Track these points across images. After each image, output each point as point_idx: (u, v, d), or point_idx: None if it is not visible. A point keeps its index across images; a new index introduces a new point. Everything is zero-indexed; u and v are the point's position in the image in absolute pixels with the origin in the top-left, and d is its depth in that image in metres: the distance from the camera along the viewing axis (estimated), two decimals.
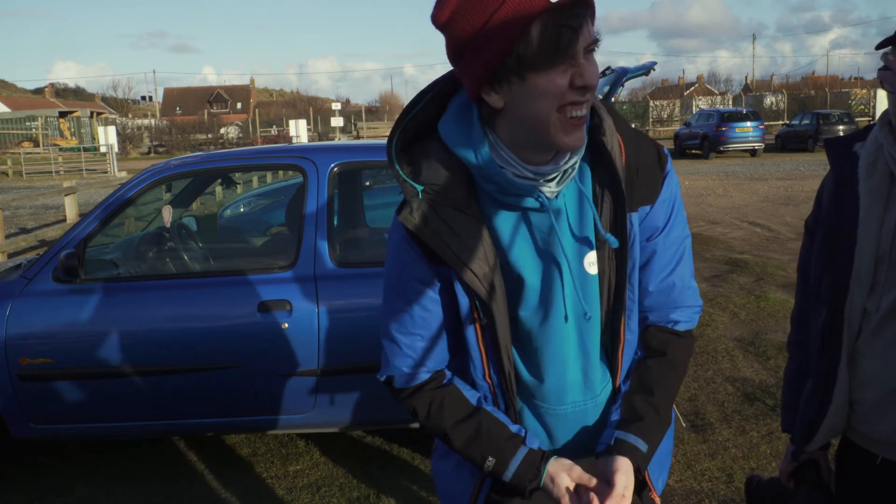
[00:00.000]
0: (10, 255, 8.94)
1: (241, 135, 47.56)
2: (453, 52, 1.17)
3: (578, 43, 1.09)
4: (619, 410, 1.32)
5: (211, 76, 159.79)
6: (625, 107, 45.38)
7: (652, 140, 1.33)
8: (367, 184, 5.58)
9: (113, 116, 58.43)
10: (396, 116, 1.37)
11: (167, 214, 4.26)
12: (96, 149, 38.54)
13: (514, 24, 1.07)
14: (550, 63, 1.09)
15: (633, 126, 1.33)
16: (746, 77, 78.32)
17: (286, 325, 3.38)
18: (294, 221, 4.05)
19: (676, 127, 36.17)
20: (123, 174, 20.46)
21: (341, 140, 25.31)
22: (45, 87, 79.78)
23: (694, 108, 43.84)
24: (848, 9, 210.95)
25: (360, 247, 4.18)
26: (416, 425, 3.38)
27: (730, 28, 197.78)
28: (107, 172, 26.61)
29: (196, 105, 76.82)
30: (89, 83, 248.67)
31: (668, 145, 31.50)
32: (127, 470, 3.84)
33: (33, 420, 3.53)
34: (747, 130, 25.37)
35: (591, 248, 1.27)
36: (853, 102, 39.94)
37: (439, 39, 1.20)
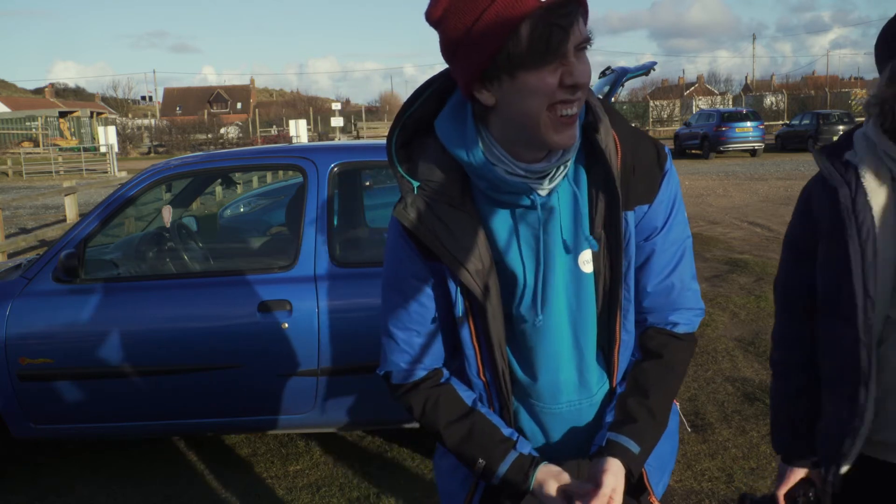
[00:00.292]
0: (10, 255, 8.94)
1: (241, 135, 47.57)
2: (446, 50, 1.17)
3: (569, 42, 1.09)
4: (613, 412, 1.32)
5: (211, 76, 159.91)
6: (625, 107, 45.38)
7: (651, 139, 1.32)
8: (367, 184, 5.59)
9: (113, 116, 58.44)
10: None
11: (167, 214, 4.26)
12: (96, 149, 38.54)
13: (505, 22, 1.08)
14: (540, 62, 1.09)
15: (633, 125, 1.33)
16: (746, 77, 78.37)
17: (286, 325, 3.38)
18: (294, 221, 4.05)
19: (676, 127, 36.18)
20: (123, 174, 20.46)
21: (341, 140, 25.31)
22: (45, 87, 79.79)
23: (694, 108, 43.85)
24: (848, 9, 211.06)
25: (360, 247, 4.18)
26: (415, 425, 3.38)
27: (730, 28, 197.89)
28: (107, 172, 26.61)
29: (196, 105, 76.83)
30: (89, 83, 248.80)
31: (668, 145, 31.31)
32: (127, 470, 3.84)
33: (33, 420, 3.53)
34: (747, 130, 25.36)
35: (587, 247, 1.27)
36: (853, 102, 39.92)
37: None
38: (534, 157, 1.20)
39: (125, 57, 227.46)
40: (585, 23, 1.14)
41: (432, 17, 1.16)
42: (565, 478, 1.26)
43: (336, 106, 51.10)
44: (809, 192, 1.58)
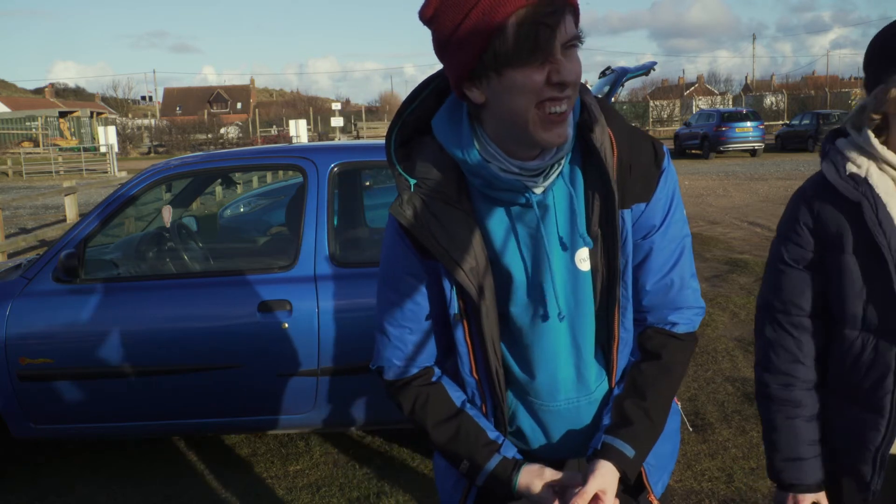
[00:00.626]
0: (10, 255, 8.94)
1: (241, 135, 47.57)
2: (438, 48, 1.18)
3: (556, 40, 1.10)
4: (610, 414, 1.32)
5: (211, 76, 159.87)
6: (625, 107, 45.39)
7: (649, 137, 1.32)
8: (367, 184, 5.58)
9: (113, 116, 58.45)
10: None
11: (167, 214, 4.26)
12: (96, 149, 38.55)
13: (491, 20, 1.09)
14: (527, 59, 1.10)
15: (633, 125, 1.33)
16: (746, 77, 78.39)
17: (286, 325, 3.38)
18: (294, 221, 4.05)
19: (676, 127, 36.18)
20: (123, 174, 20.47)
21: (341, 140, 25.31)
22: (45, 87, 79.79)
23: (694, 108, 43.86)
24: (848, 9, 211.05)
25: (360, 247, 4.18)
26: None
27: (730, 28, 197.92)
28: (107, 172, 26.61)
29: (196, 105, 76.82)
30: (89, 83, 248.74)
31: (668, 145, 31.30)
32: (127, 470, 3.84)
33: (33, 420, 3.53)
34: (747, 130, 25.36)
35: (583, 245, 1.27)
36: (853, 102, 39.89)
37: None
38: (528, 154, 1.20)
39: (125, 57, 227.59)
40: (576, 20, 1.14)
41: (425, 16, 1.17)
42: (549, 475, 1.27)
43: (336, 106, 51.14)
44: (810, 205, 1.55)
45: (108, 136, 29.45)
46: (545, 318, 1.29)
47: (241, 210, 7.57)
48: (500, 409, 1.33)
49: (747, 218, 11.74)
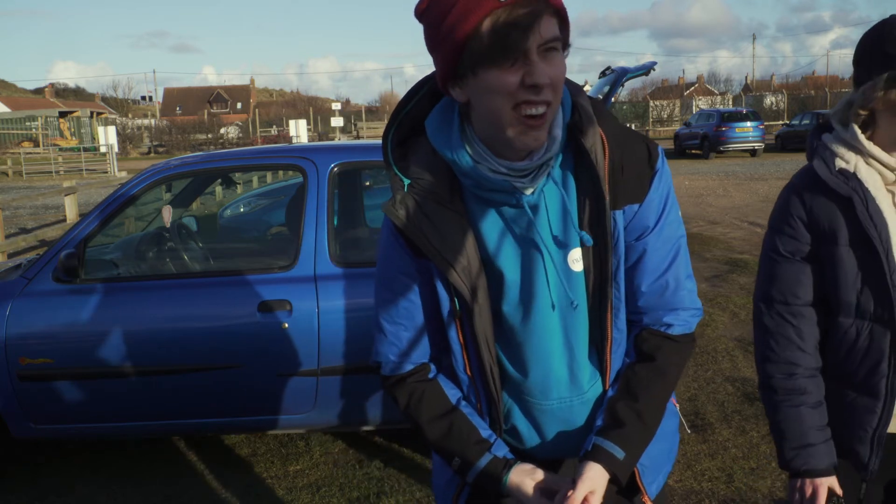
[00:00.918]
0: (10, 255, 8.94)
1: (241, 135, 47.57)
2: (427, 45, 1.20)
3: (528, 41, 1.10)
4: (602, 416, 1.32)
5: (211, 76, 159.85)
6: (625, 107, 45.39)
7: (643, 137, 1.32)
8: (367, 184, 5.58)
9: (113, 116, 58.45)
10: None
11: (167, 214, 4.26)
12: (96, 149, 38.55)
13: (468, 19, 1.10)
14: (499, 60, 1.11)
15: (624, 124, 1.33)
16: (746, 77, 78.38)
17: (286, 325, 3.38)
18: (294, 221, 4.05)
19: (676, 127, 36.18)
20: (123, 174, 20.48)
21: (341, 140, 25.31)
22: (45, 87, 79.79)
23: (694, 108, 43.86)
24: (848, 9, 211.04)
25: (360, 247, 4.18)
26: None
27: (730, 28, 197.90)
28: (107, 172, 26.61)
29: (196, 105, 76.83)
30: (89, 83, 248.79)
31: (668, 145, 31.55)
32: (127, 470, 3.84)
33: (33, 420, 3.53)
34: (747, 130, 25.36)
35: (576, 246, 1.27)
36: None
37: None
38: (515, 154, 1.21)
39: (125, 57, 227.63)
40: (561, 23, 1.14)
41: (418, 10, 1.19)
42: (540, 475, 1.28)
43: (336, 106, 51.13)
44: (801, 198, 1.59)
45: (108, 136, 29.46)
46: (537, 317, 1.29)
47: (241, 210, 7.57)
48: (495, 406, 1.34)
49: (747, 218, 11.74)
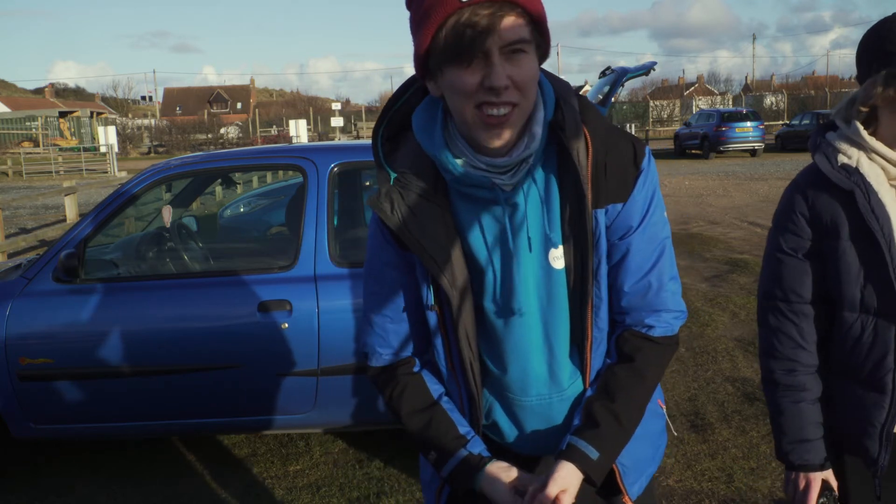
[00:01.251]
0: (10, 255, 8.94)
1: (241, 135, 47.58)
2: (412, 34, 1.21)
3: (486, 42, 1.09)
4: (579, 415, 1.32)
5: (211, 76, 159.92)
6: (625, 107, 45.41)
7: (629, 136, 1.31)
8: (367, 184, 5.58)
9: (113, 116, 58.45)
10: None
11: (167, 214, 4.26)
12: (96, 149, 38.56)
13: (433, 17, 1.11)
14: (457, 60, 1.12)
15: (612, 123, 1.32)
16: (746, 77, 78.38)
17: (286, 325, 3.38)
18: (294, 221, 4.05)
19: (676, 127, 36.18)
20: (123, 174, 20.48)
21: (341, 140, 25.30)
22: (45, 87, 79.80)
23: (694, 108, 43.87)
24: (848, 9, 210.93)
25: (360, 247, 4.17)
26: None
27: (730, 28, 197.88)
28: (107, 172, 26.62)
29: (196, 105, 76.83)
30: (89, 83, 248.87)
31: (668, 145, 31.54)
32: (127, 470, 3.83)
33: (33, 420, 3.53)
34: (747, 130, 25.36)
35: (557, 243, 1.27)
36: None
37: None
38: (496, 151, 1.21)
39: (125, 57, 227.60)
40: (535, 25, 1.13)
41: (406, 3, 1.20)
42: (514, 473, 1.28)
43: (336, 106, 51.13)
44: (804, 195, 1.60)
45: (108, 136, 29.47)
46: (514, 313, 1.29)
47: (241, 210, 7.56)
48: (475, 401, 1.35)
49: (747, 218, 11.74)
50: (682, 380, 4.73)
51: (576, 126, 1.23)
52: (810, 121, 26.65)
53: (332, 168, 3.61)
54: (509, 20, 1.10)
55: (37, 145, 42.71)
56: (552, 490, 1.22)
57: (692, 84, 73.50)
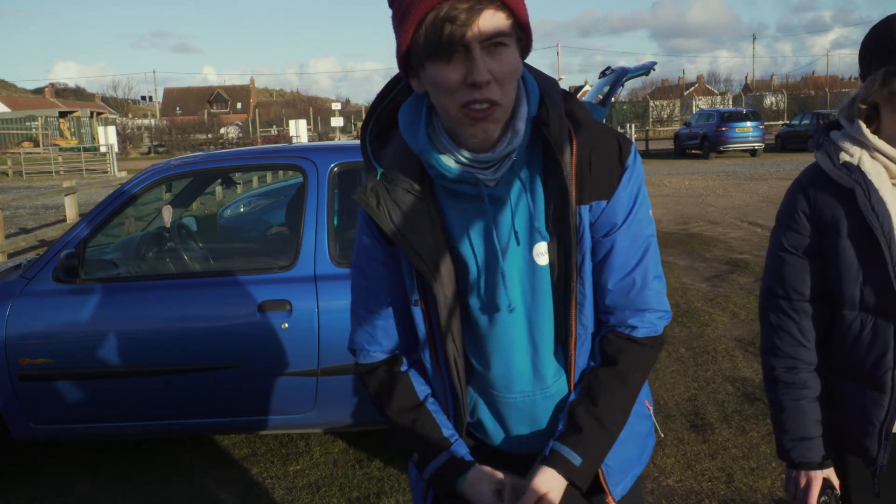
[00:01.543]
0: (10, 255, 8.94)
1: (241, 135, 47.58)
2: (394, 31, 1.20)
3: (466, 37, 1.09)
4: (563, 420, 1.32)
5: (211, 76, 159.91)
6: (625, 107, 45.39)
7: (614, 133, 1.30)
8: None
9: (113, 116, 58.45)
10: None
11: (167, 214, 4.26)
12: (96, 149, 38.56)
13: (414, 13, 1.10)
14: (437, 56, 1.11)
15: (605, 122, 1.32)
16: (746, 77, 78.37)
17: (286, 325, 3.38)
18: (294, 221, 4.05)
19: (676, 127, 36.17)
20: (123, 174, 20.48)
21: (341, 140, 25.28)
22: (45, 87, 79.77)
23: (694, 108, 43.86)
24: (849, 9, 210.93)
25: None
26: None
27: (730, 28, 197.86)
28: (107, 172, 26.61)
29: (196, 105, 76.82)
30: (89, 83, 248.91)
31: (668, 145, 31.53)
32: (127, 470, 3.83)
33: (33, 420, 3.53)
34: (747, 130, 25.36)
35: (541, 240, 1.26)
36: None
37: None
38: (479, 146, 1.20)
39: (125, 57, 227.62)
40: (515, 18, 1.13)
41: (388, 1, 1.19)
42: (496, 478, 1.28)
43: (336, 106, 51.10)
44: (806, 193, 1.61)
45: (108, 136, 29.48)
46: (497, 309, 1.29)
47: (241, 210, 7.56)
48: (459, 398, 1.34)
49: (747, 218, 11.74)
50: (682, 380, 4.73)
51: (560, 122, 1.22)
52: (810, 121, 26.64)
53: (332, 168, 3.61)
54: (488, 14, 1.09)
55: (37, 145, 42.71)
56: (531, 496, 1.22)
57: (692, 84, 73.50)
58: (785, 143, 27.95)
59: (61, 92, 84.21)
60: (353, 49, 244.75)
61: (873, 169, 1.53)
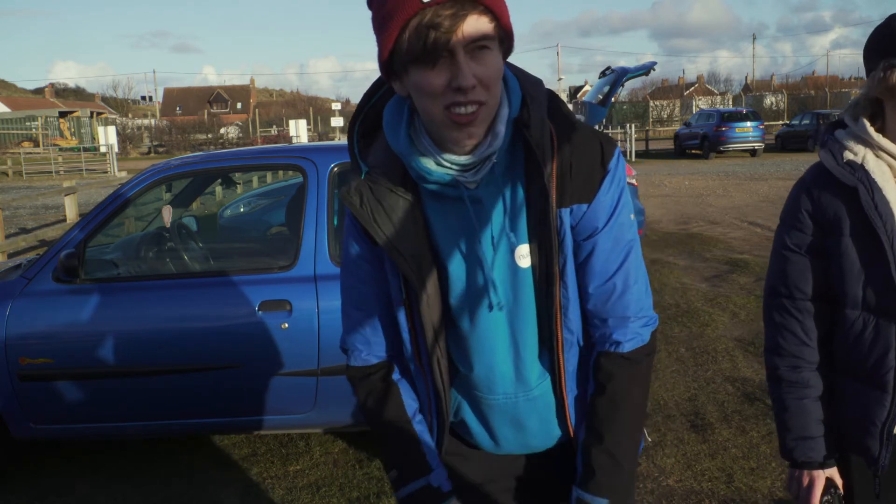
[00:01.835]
0: (10, 255, 8.94)
1: (241, 135, 47.57)
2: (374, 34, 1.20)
3: (451, 43, 1.09)
4: (579, 463, 1.33)
5: (211, 76, 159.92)
6: (625, 107, 45.39)
7: (598, 135, 1.28)
8: None
9: (113, 116, 58.45)
10: None
11: (167, 214, 4.27)
12: (96, 149, 38.56)
13: (395, 19, 1.10)
14: (423, 61, 1.11)
15: (581, 121, 1.31)
16: (746, 77, 78.36)
17: (286, 325, 3.38)
18: (294, 221, 4.05)
19: (676, 127, 36.17)
20: (123, 174, 20.48)
21: (341, 140, 25.27)
22: (45, 87, 79.75)
23: (694, 108, 43.87)
24: (849, 9, 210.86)
25: None
26: None
27: (730, 28, 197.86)
28: (107, 172, 26.62)
29: (196, 105, 76.80)
30: (89, 83, 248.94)
31: (668, 145, 31.50)
32: (127, 470, 3.83)
33: (33, 420, 3.53)
34: (747, 130, 25.36)
35: (523, 242, 1.26)
36: None
37: None
38: (460, 149, 1.20)
39: (126, 57, 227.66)
40: (497, 20, 1.12)
41: (367, 1, 1.19)
42: None
43: (336, 106, 51.07)
44: (809, 192, 1.61)
45: (108, 136, 29.49)
46: (479, 311, 1.29)
47: (241, 210, 7.56)
48: (442, 398, 1.35)
49: (747, 218, 11.74)
50: (682, 380, 4.73)
51: (541, 125, 1.22)
52: (810, 121, 26.65)
53: (332, 168, 3.61)
54: (472, 19, 1.09)
55: (37, 145, 42.71)
56: None
57: (692, 84, 73.47)
58: (785, 143, 27.95)
59: (61, 92, 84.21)
60: (353, 49, 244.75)
61: (877, 167, 1.52)
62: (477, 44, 1.10)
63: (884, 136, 1.52)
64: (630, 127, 27.82)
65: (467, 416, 1.39)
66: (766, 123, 29.10)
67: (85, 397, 3.48)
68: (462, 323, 1.31)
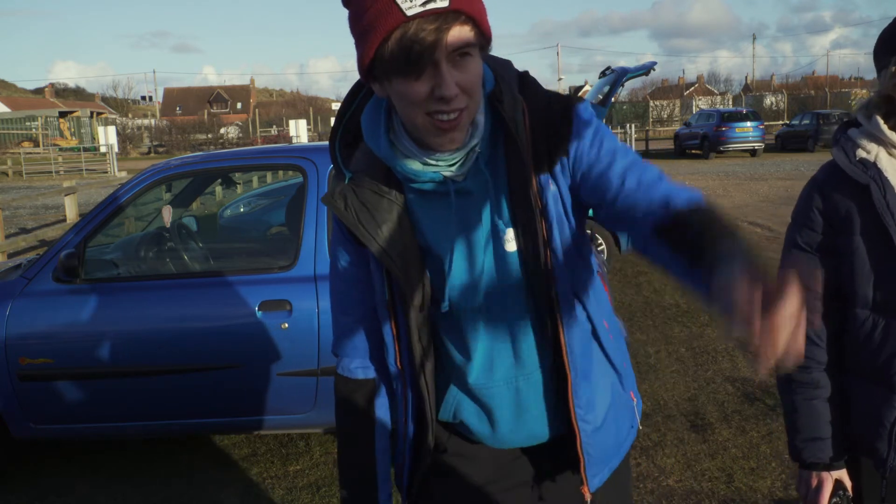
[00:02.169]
0: (10, 255, 8.94)
1: (241, 135, 47.58)
2: (353, 35, 1.19)
3: (434, 54, 1.09)
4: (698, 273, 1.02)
5: (211, 76, 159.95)
6: (625, 107, 45.40)
7: (566, 98, 1.27)
8: None
9: (113, 116, 58.47)
10: None
11: (167, 214, 4.27)
12: (96, 149, 38.57)
13: (377, 30, 1.10)
14: (406, 72, 1.11)
15: (556, 92, 1.31)
16: (746, 77, 78.35)
17: (286, 325, 3.38)
18: (294, 221, 4.05)
19: (676, 127, 36.18)
20: (123, 174, 20.49)
21: None
22: (45, 87, 79.76)
23: (694, 108, 43.88)
24: (849, 9, 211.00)
25: None
26: None
27: (730, 28, 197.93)
28: (107, 172, 26.62)
29: (196, 105, 76.80)
30: (89, 83, 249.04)
31: (668, 145, 31.50)
32: (127, 470, 3.84)
33: (33, 420, 3.53)
34: (747, 130, 25.36)
35: (509, 226, 1.26)
36: (853, 102, 39.90)
37: None
38: (441, 148, 1.20)
39: (126, 57, 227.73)
40: (478, 26, 1.12)
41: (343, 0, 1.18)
42: None
43: (336, 106, 51.15)
44: (822, 190, 1.59)
45: (108, 136, 29.52)
46: (473, 299, 1.29)
47: (241, 210, 7.56)
48: (424, 400, 1.35)
49: (747, 218, 11.75)
50: (682, 380, 4.73)
51: (513, 98, 1.23)
52: (810, 121, 26.65)
53: (332, 168, 3.60)
54: (455, 30, 1.09)
55: (37, 145, 42.71)
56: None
57: (692, 84, 73.47)
58: (785, 143, 27.94)
59: (61, 92, 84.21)
60: (352, 49, 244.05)
61: (890, 165, 1.51)
62: (459, 51, 1.11)
63: None
64: (630, 127, 27.84)
65: (467, 414, 1.38)
66: (766, 123, 29.10)
67: (85, 397, 3.48)
68: (456, 314, 1.32)
